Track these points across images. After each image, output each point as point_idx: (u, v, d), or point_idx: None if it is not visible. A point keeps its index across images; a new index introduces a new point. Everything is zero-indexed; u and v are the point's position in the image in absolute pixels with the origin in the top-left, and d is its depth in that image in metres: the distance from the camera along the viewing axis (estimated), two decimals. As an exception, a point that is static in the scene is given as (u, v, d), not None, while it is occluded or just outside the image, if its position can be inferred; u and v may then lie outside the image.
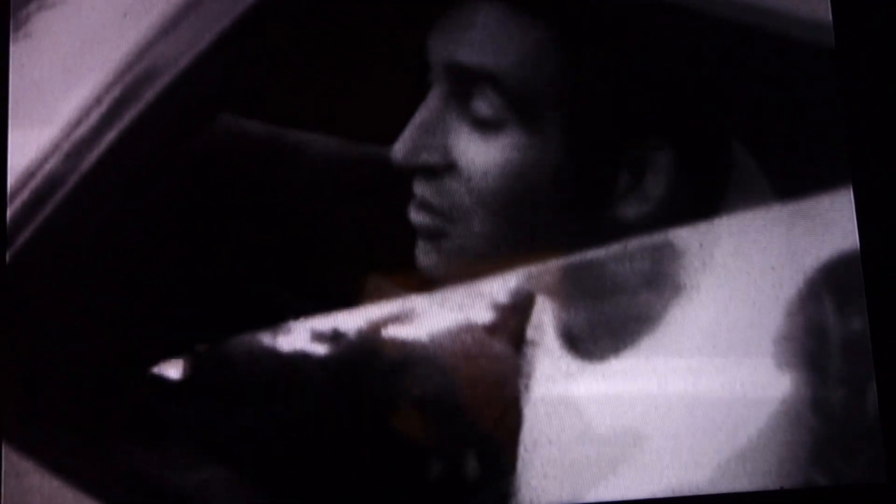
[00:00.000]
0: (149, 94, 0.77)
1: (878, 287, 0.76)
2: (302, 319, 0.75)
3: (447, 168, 0.76)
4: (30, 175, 0.77)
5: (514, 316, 0.75)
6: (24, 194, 0.77)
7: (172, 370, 0.74)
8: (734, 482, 0.73)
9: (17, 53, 0.78)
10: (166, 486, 0.73)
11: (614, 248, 0.76)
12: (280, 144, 0.78)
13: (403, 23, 0.78)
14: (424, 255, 0.76)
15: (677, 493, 0.73)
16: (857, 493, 0.74)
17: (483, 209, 0.75)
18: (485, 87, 0.75)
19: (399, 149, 0.76)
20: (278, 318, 0.75)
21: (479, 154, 0.75)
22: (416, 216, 0.76)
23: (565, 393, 0.74)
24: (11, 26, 0.79)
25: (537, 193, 0.75)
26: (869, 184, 0.78)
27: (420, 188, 0.76)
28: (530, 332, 0.75)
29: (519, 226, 0.76)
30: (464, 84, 0.76)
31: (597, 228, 0.76)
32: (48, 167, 0.77)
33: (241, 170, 0.78)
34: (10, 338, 0.74)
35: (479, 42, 0.76)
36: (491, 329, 0.75)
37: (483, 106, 0.75)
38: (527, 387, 0.74)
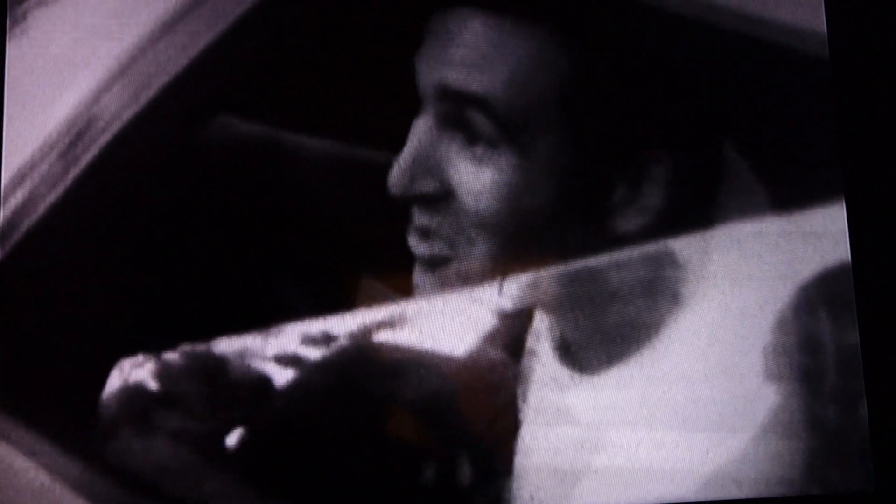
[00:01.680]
0: (147, 94, 0.77)
1: (869, 298, 0.76)
2: (296, 321, 0.75)
3: (444, 195, 0.75)
4: (23, 175, 0.76)
5: (512, 324, 0.76)
6: (19, 195, 0.76)
7: (163, 371, 0.74)
8: (725, 491, 0.74)
9: (14, 51, 0.78)
10: (159, 486, 0.73)
11: (609, 258, 0.75)
12: (277, 146, 0.78)
13: (396, 36, 0.77)
14: (424, 282, 0.76)
15: (668, 501, 0.73)
16: (844, 501, 0.74)
17: (483, 232, 0.75)
18: (475, 110, 0.74)
19: (394, 180, 0.75)
20: (272, 319, 0.75)
21: (475, 178, 0.74)
22: (417, 246, 0.76)
23: (560, 401, 0.75)
24: (8, 24, 0.79)
25: (536, 211, 0.75)
26: (861, 195, 0.78)
27: (418, 216, 0.75)
28: (529, 341, 0.75)
29: (519, 244, 0.75)
30: (454, 107, 0.75)
31: (597, 242, 0.75)
32: (43, 167, 0.76)
33: (237, 170, 0.77)
34: (2, 335, 0.74)
35: (468, 62, 0.74)
36: (487, 336, 0.75)
37: (475, 129, 0.74)
38: (522, 394, 0.75)
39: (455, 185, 0.75)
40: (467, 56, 0.75)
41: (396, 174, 0.75)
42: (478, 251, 0.75)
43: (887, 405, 0.75)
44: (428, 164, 0.75)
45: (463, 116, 0.74)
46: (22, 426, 0.73)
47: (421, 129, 0.75)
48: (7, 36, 0.78)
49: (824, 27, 0.80)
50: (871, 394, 0.75)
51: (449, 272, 0.76)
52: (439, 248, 0.75)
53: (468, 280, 0.75)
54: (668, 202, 0.75)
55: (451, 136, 0.75)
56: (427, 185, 0.75)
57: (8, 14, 0.78)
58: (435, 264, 0.75)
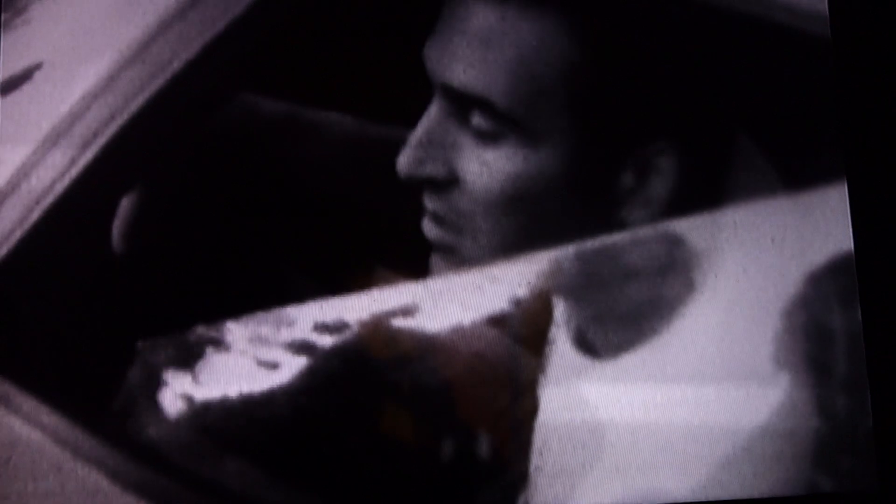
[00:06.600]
0: (163, 76, 0.77)
1: (873, 287, 0.76)
2: (310, 304, 0.75)
3: (452, 180, 0.76)
4: (29, 166, 0.77)
5: (529, 310, 0.76)
6: (34, 180, 0.77)
7: (174, 352, 0.76)
8: (736, 484, 0.74)
9: (14, 40, 0.77)
10: (177, 465, 0.74)
11: (620, 240, 0.76)
12: (288, 133, 0.78)
13: (405, 25, 0.78)
14: (437, 269, 0.77)
15: (681, 500, 0.74)
16: (846, 501, 0.74)
17: (489, 218, 0.76)
18: (477, 110, 0.75)
19: (403, 162, 0.76)
20: (285, 299, 0.75)
21: (481, 165, 0.75)
22: (430, 230, 0.77)
23: (576, 388, 0.75)
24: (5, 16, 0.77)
25: (542, 199, 0.75)
26: (864, 178, 0.78)
27: (429, 201, 0.77)
28: (551, 329, 0.76)
29: (526, 232, 0.76)
30: (458, 105, 0.76)
31: (602, 232, 0.76)
32: (52, 155, 0.77)
33: (249, 155, 0.78)
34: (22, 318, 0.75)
35: (469, 58, 0.75)
36: (503, 322, 0.76)
37: (479, 122, 0.75)
38: (542, 381, 0.75)
39: (461, 171, 0.76)
40: (471, 48, 0.75)
41: (405, 156, 0.76)
42: (485, 239, 0.76)
43: (892, 403, 0.75)
44: (436, 149, 0.76)
45: (466, 114, 0.76)
46: (44, 407, 0.75)
47: (431, 114, 0.76)
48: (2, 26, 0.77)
49: (826, 7, 0.80)
50: (875, 392, 0.75)
51: (458, 259, 0.76)
52: (449, 235, 0.76)
53: (477, 266, 0.76)
54: (675, 192, 0.76)
55: (458, 124, 0.76)
56: (434, 169, 0.76)
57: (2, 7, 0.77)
58: (446, 251, 0.76)
